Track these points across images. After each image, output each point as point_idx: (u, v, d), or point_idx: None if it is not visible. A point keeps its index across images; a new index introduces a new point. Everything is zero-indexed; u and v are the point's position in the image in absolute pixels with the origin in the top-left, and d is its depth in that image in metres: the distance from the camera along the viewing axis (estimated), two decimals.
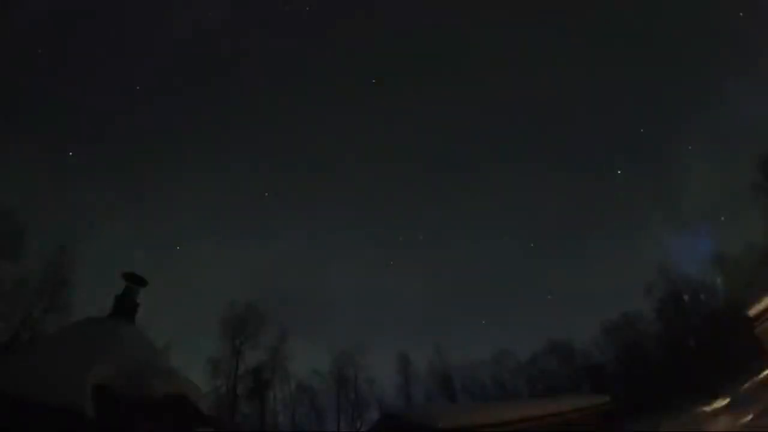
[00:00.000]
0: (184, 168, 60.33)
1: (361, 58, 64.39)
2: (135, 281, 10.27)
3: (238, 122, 64.21)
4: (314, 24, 60.92)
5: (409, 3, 60.71)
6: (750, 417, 14.17)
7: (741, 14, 46.21)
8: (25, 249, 26.84)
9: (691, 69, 52.87)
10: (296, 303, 56.15)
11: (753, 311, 18.22)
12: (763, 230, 33.16)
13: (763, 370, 20.46)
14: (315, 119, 66.76)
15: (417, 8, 60.41)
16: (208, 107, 61.89)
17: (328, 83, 62.17)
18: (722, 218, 45.91)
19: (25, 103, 45.22)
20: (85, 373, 7.09)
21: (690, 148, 54.94)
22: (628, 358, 40.14)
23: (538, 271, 59.67)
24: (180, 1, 55.07)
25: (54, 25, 47.01)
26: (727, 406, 19.06)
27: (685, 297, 39.50)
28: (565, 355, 44.26)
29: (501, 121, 67.48)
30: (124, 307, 9.91)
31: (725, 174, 48.95)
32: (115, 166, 53.89)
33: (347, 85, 61.69)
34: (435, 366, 44.05)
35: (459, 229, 68.60)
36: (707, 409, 21.22)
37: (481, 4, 59.73)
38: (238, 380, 35.79)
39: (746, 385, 21.19)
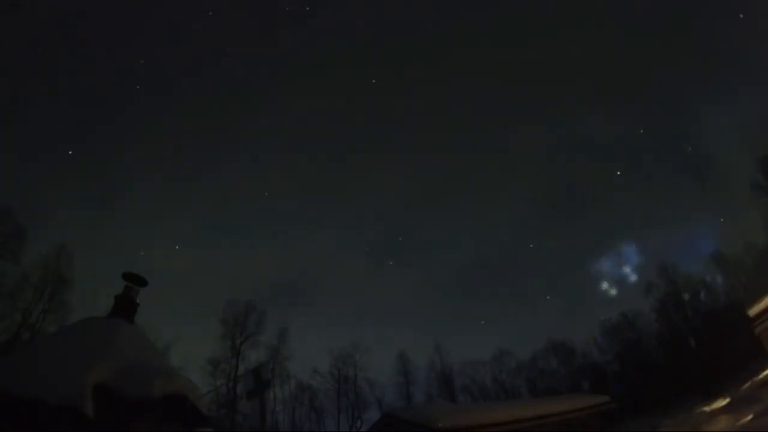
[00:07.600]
0: (184, 168, 60.44)
1: (361, 58, 64.44)
2: (135, 281, 10.23)
3: (238, 122, 64.33)
4: (315, 24, 60.98)
5: (409, 3, 60.77)
6: (750, 417, 14.14)
7: (741, 15, 46.29)
8: (25, 249, 26.93)
9: (692, 69, 52.98)
10: (296, 303, 56.30)
11: (753, 311, 18.20)
12: (763, 230, 33.19)
13: (763, 370, 20.45)
14: (315, 120, 66.88)
15: (417, 7, 60.47)
16: (207, 107, 62.00)
17: (327, 83, 62.25)
18: (722, 219, 46.04)
19: (25, 103, 45.27)
20: (85, 373, 7.08)
21: (690, 149, 55.13)
22: (628, 358, 40.14)
23: (538, 271, 59.82)
24: (180, 1, 55.06)
25: (54, 25, 47.03)
26: (727, 406, 19.02)
27: (685, 297, 39.54)
28: (565, 355, 44.28)
29: (500, 121, 67.58)
30: (124, 307, 9.87)
31: (725, 174, 49.09)
32: (115, 167, 54.00)
33: (347, 84, 61.77)
34: (435, 366, 44.18)
35: (459, 229, 68.70)
36: (707, 409, 21.19)
37: (484, 4, 59.80)
38: (238, 380, 35.76)
39: (746, 385, 21.18)
